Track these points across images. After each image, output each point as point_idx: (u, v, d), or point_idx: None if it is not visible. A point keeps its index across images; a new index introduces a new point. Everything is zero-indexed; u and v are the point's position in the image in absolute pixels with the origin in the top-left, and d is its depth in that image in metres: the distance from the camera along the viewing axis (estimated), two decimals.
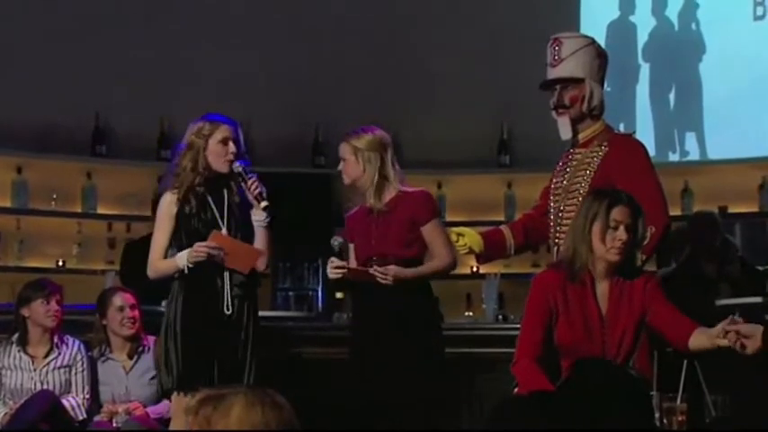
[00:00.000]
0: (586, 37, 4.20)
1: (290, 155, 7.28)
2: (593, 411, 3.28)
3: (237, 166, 4.25)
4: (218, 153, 4.25)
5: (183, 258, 4.20)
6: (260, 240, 4.27)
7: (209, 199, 4.26)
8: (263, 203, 4.24)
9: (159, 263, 4.29)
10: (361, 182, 4.28)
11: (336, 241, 4.23)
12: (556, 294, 3.54)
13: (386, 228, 4.22)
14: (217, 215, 4.25)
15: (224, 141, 4.26)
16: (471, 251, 4.20)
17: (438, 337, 4.28)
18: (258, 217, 4.27)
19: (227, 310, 4.19)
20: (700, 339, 3.50)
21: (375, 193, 4.24)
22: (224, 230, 4.24)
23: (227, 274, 4.22)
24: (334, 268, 4.16)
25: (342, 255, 4.21)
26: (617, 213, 3.52)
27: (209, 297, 4.22)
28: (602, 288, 3.56)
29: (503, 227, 4.31)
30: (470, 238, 4.16)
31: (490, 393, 4.67)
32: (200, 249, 4.16)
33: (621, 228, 3.51)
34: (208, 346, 4.18)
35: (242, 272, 4.21)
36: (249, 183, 4.23)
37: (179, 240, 4.26)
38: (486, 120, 7.34)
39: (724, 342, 3.43)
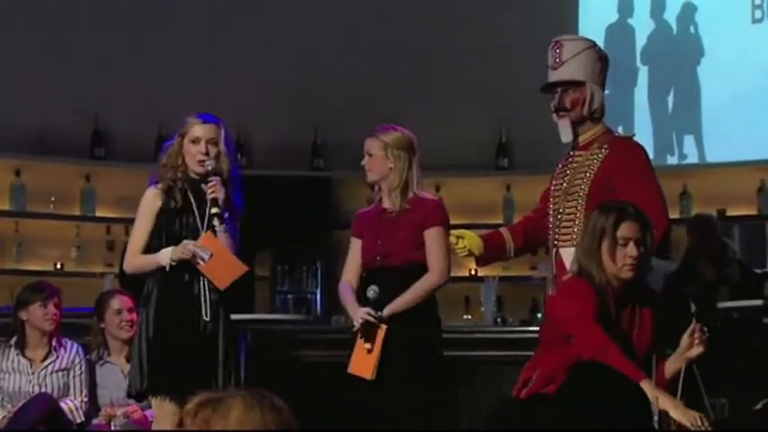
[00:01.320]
0: (587, 40, 4.19)
1: (289, 158, 7.29)
2: (592, 414, 3.28)
3: (207, 167, 4.18)
4: (190, 152, 4.19)
5: (166, 255, 4.10)
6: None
7: (192, 202, 4.21)
8: (213, 210, 4.11)
9: (137, 258, 4.18)
10: (388, 180, 4.24)
11: (372, 291, 4.13)
12: (595, 297, 3.49)
13: (394, 229, 4.21)
14: (198, 218, 4.19)
15: (194, 141, 4.20)
16: (471, 254, 4.19)
17: (439, 339, 4.28)
18: (213, 221, 4.15)
19: (206, 316, 4.12)
20: (671, 366, 3.47)
21: (401, 194, 4.22)
22: (203, 235, 4.17)
23: (203, 278, 4.15)
24: (367, 315, 4.09)
25: (376, 306, 4.11)
26: (625, 229, 3.44)
27: (185, 299, 4.14)
28: (621, 301, 3.52)
29: (502, 229, 4.30)
30: (470, 240, 4.15)
31: (489, 396, 4.67)
32: (188, 248, 4.09)
33: (631, 244, 3.42)
34: (181, 348, 4.13)
35: (217, 285, 4.11)
36: (208, 185, 4.14)
37: (158, 239, 4.17)
38: (484, 123, 7.34)
39: (697, 352, 3.41)
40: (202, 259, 4.09)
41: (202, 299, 4.13)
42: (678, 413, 3.26)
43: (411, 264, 4.20)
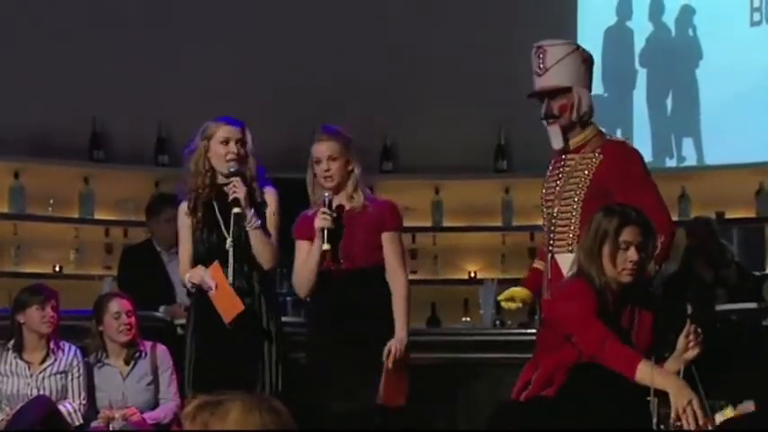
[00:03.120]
0: (570, 43, 4.17)
1: (288, 160, 7.26)
2: (592, 416, 3.28)
3: (230, 169, 4.24)
4: (219, 154, 4.26)
5: (186, 277, 4.29)
6: (252, 243, 4.24)
7: (215, 205, 4.26)
8: (235, 210, 4.19)
9: (183, 277, 4.35)
10: (347, 183, 4.24)
11: (328, 193, 4.14)
12: (595, 297, 3.49)
13: (351, 231, 4.21)
14: (221, 223, 4.24)
15: (225, 142, 4.26)
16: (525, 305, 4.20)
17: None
18: (242, 222, 4.24)
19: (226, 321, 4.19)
20: (669, 368, 3.44)
21: (362, 195, 4.24)
22: (229, 240, 4.23)
23: (229, 283, 4.21)
24: (323, 215, 4.11)
25: (332, 208, 4.13)
26: (627, 234, 3.44)
27: (211, 305, 4.22)
28: (619, 302, 3.52)
29: (537, 263, 4.25)
30: (520, 296, 4.13)
31: (487, 398, 4.67)
32: (197, 274, 4.22)
33: (632, 248, 3.43)
34: (212, 353, 4.18)
35: (224, 318, 4.18)
36: (229, 186, 4.21)
37: (201, 248, 4.29)
38: (483, 125, 7.34)
39: (693, 354, 3.40)
40: (209, 288, 4.16)
41: None
42: (673, 396, 3.26)
43: (374, 265, 4.21)
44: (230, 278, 4.21)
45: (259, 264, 4.27)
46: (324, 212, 4.12)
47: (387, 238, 4.21)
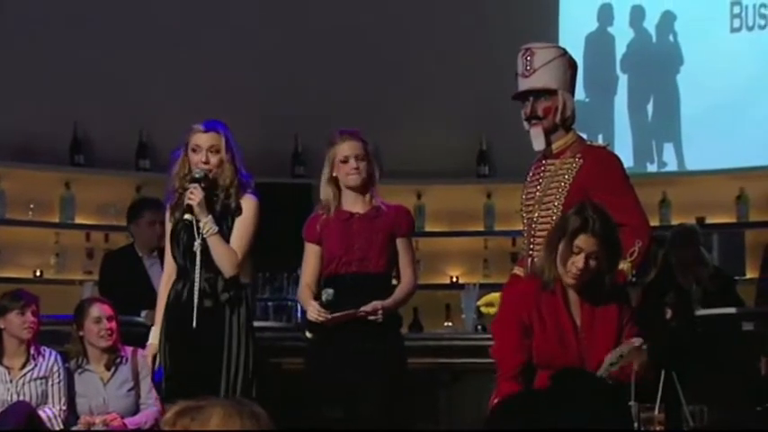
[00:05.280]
0: (558, 47, 4.20)
1: (270, 165, 7.27)
2: (573, 421, 3.29)
3: (195, 174, 4.21)
4: (192, 161, 4.25)
5: (151, 333, 4.33)
6: (211, 249, 4.21)
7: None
8: (186, 216, 4.18)
9: (160, 295, 4.33)
10: (368, 183, 4.28)
11: (326, 293, 4.15)
12: (530, 308, 3.50)
13: (369, 235, 4.22)
14: (194, 224, 4.22)
15: (195, 149, 4.24)
16: None
17: (403, 347, 4.31)
18: (203, 229, 4.21)
19: (194, 323, 4.15)
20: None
21: (374, 196, 4.27)
22: (197, 242, 4.21)
23: (196, 287, 4.18)
24: (318, 313, 4.13)
25: (328, 307, 4.13)
26: (581, 241, 3.44)
27: (179, 309, 4.21)
28: (575, 298, 3.54)
29: (516, 270, 4.26)
30: (498, 301, 4.14)
31: (469, 403, 4.68)
32: (149, 356, 4.34)
33: (582, 255, 3.44)
34: (178, 358, 4.17)
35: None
36: (187, 192, 4.19)
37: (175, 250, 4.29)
38: (465, 130, 7.35)
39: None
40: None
41: (194, 306, 4.14)
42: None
43: (386, 271, 4.23)
44: (197, 280, 4.19)
45: None
46: (319, 312, 4.14)
47: (401, 243, 4.26)
